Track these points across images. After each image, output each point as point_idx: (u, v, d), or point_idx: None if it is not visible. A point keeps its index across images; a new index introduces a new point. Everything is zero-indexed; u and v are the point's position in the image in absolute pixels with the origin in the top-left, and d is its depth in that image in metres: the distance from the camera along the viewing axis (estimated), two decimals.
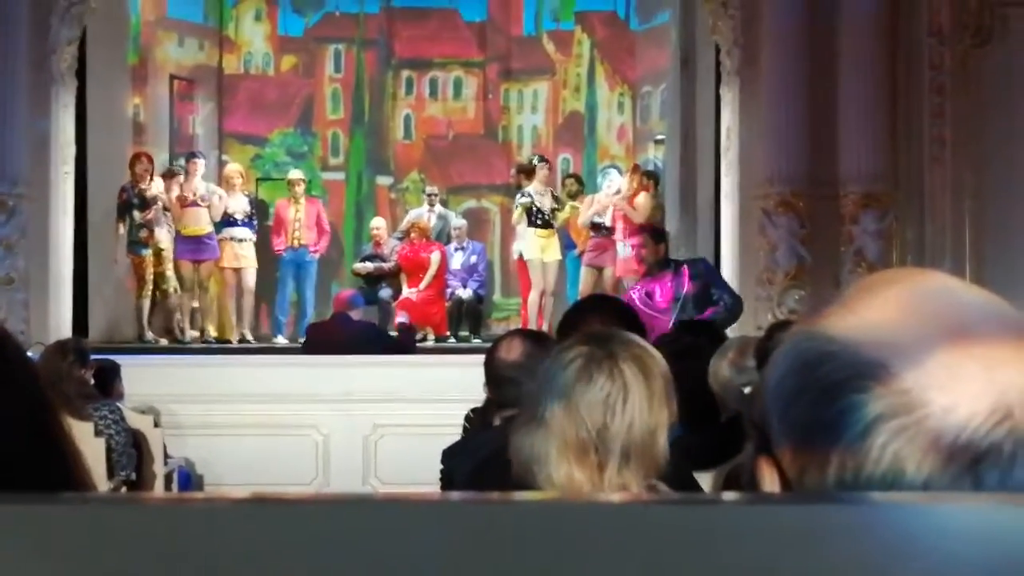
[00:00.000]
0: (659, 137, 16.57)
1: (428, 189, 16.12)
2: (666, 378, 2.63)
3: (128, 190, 13.32)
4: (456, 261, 14.88)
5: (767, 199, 11.94)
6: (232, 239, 13.86)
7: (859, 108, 11.79)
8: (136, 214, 13.20)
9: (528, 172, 14.26)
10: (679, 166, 14.54)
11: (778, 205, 11.83)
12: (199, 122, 17.32)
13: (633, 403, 2.54)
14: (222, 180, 14.46)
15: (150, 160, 13.75)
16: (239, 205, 13.93)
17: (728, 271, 12.69)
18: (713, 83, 13.37)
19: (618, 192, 13.42)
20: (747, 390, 4.10)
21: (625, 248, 12.95)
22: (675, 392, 2.66)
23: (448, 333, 14.51)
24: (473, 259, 15.00)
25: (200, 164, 13.88)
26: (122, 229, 13.30)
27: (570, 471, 2.54)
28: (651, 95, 17.43)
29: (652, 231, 9.91)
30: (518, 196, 14.22)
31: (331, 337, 10.85)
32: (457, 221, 15.43)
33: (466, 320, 14.84)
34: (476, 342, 13.80)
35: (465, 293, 14.82)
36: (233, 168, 14.76)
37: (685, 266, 9.65)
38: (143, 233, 13.23)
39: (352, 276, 15.58)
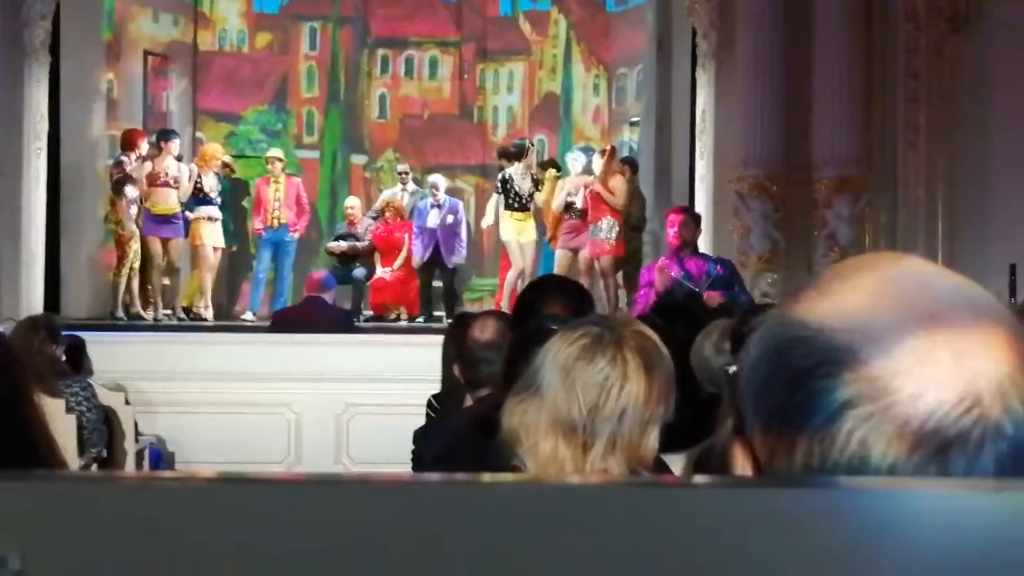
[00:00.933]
0: (634, 119, 16.57)
1: (400, 167, 15.99)
2: (669, 377, 2.63)
3: (129, 165, 13.27)
4: (431, 219, 14.37)
5: (741, 182, 11.96)
6: (209, 218, 13.79)
7: (834, 93, 11.82)
8: (129, 190, 13.10)
9: (513, 156, 14.19)
10: (654, 148, 14.55)
11: (752, 188, 11.86)
12: (173, 98, 17.23)
13: (630, 392, 2.55)
14: (199, 157, 14.38)
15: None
16: (212, 184, 13.85)
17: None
18: (689, 65, 13.38)
19: (590, 173, 13.43)
20: (732, 370, 4.10)
21: (596, 230, 12.92)
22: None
23: (419, 314, 14.39)
24: (450, 219, 14.41)
25: (175, 144, 13.72)
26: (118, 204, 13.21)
27: (556, 446, 2.55)
28: (627, 77, 17.43)
29: (693, 213, 10.31)
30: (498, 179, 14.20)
31: (303, 322, 10.80)
32: (433, 178, 15.03)
33: (442, 301, 14.56)
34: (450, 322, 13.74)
35: (423, 254, 14.31)
36: (214, 147, 14.69)
37: (718, 259, 10.06)
38: (133, 210, 13.16)
39: (326, 255, 15.53)
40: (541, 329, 3.21)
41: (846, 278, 0.97)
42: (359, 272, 14.58)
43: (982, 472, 0.88)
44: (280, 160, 14.73)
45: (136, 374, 9.69)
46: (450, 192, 16.52)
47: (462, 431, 3.35)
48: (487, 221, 14.66)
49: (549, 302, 3.41)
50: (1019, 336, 0.93)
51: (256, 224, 14.59)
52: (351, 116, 18.50)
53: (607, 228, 12.87)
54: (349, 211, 15.39)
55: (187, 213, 13.66)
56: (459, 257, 14.59)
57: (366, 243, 14.77)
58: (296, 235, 14.68)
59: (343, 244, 14.91)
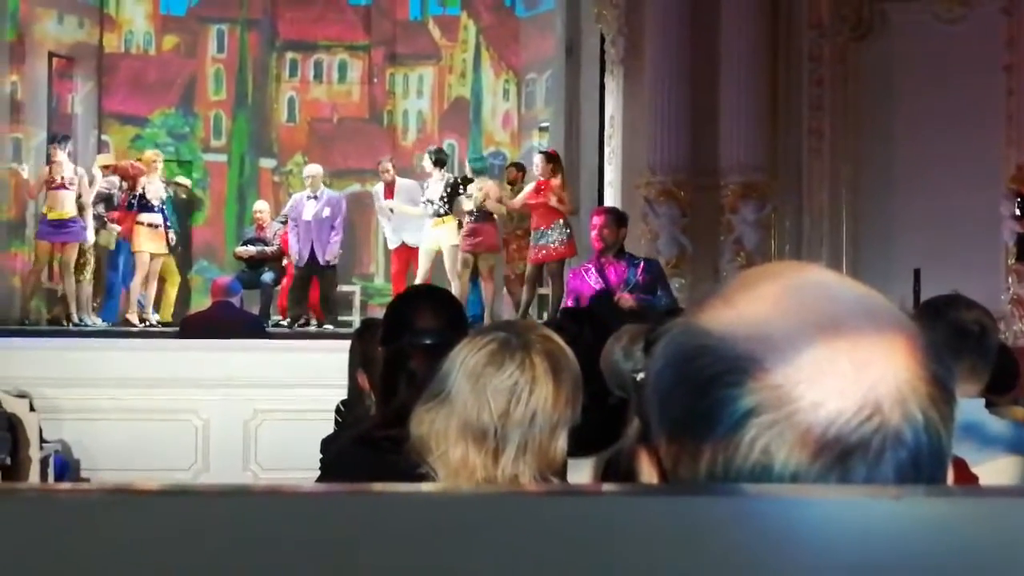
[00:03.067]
0: (543, 124, 16.62)
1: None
2: (576, 380, 2.64)
3: (114, 188, 13.56)
4: (308, 211, 13.87)
5: (649, 188, 12.04)
6: (149, 225, 13.64)
7: (740, 99, 11.94)
8: (100, 207, 13.30)
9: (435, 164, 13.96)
10: (563, 153, 14.58)
11: (660, 194, 11.94)
12: (78, 101, 17.02)
13: (539, 396, 2.55)
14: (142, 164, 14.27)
15: None
16: (156, 191, 13.73)
17: None
18: (597, 71, 13.44)
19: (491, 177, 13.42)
20: (639, 377, 4.11)
21: (543, 236, 12.68)
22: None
23: (287, 314, 14.11)
24: (326, 212, 13.88)
25: (62, 148, 13.40)
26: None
27: (466, 453, 2.55)
28: (536, 82, 17.48)
29: (617, 214, 10.11)
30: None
31: (212, 327, 10.72)
32: (310, 169, 14.62)
33: (320, 302, 14.13)
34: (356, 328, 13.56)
35: (299, 249, 13.85)
36: (153, 152, 14.55)
37: (642, 261, 9.86)
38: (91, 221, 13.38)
39: (234, 260, 15.37)
40: (414, 345, 3.20)
41: (750, 287, 0.98)
42: (268, 277, 14.44)
43: (883, 479, 0.89)
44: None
45: (41, 380, 9.54)
46: (359, 196, 16.43)
47: (343, 449, 3.33)
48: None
49: (420, 314, 3.38)
50: (919, 344, 0.95)
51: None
52: (259, 119, 18.38)
53: (557, 231, 12.68)
54: (258, 215, 15.17)
55: (140, 217, 13.57)
56: (332, 253, 13.99)
57: (275, 247, 14.63)
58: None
59: (251, 249, 14.72)
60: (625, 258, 9.72)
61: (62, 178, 13.09)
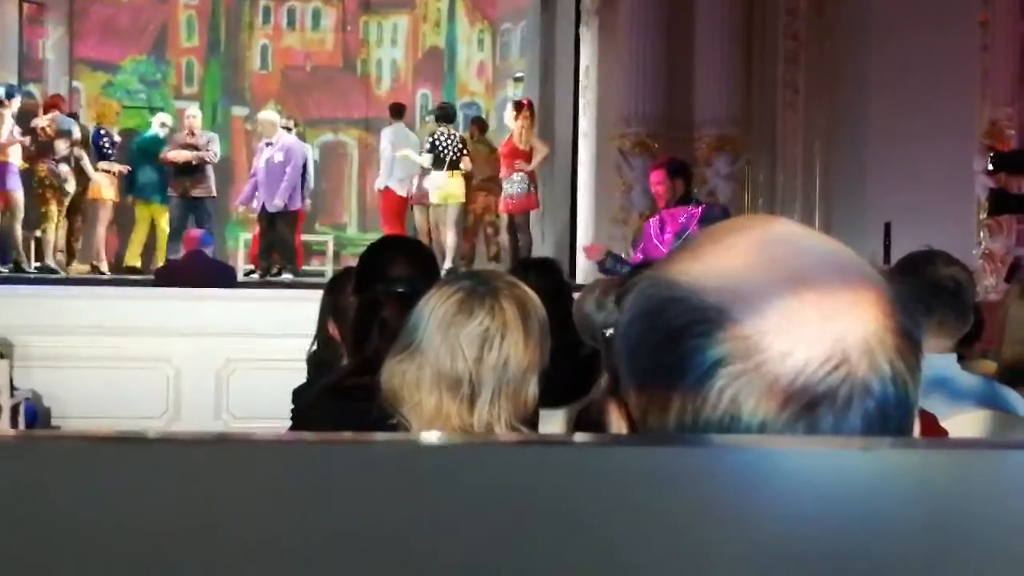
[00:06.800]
0: (518, 75, 16.57)
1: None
2: (543, 324, 2.66)
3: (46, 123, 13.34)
4: (261, 158, 13.57)
5: (623, 140, 12.05)
6: (107, 172, 13.63)
7: (715, 52, 11.93)
8: (60, 145, 13.16)
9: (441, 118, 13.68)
10: (538, 105, 14.55)
11: (634, 146, 11.95)
12: (49, 47, 16.89)
13: (510, 341, 2.57)
14: (100, 114, 14.18)
15: None
16: (111, 140, 13.79)
17: (584, 210, 12.80)
18: (573, 22, 13.40)
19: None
20: (609, 332, 4.14)
21: (509, 185, 12.71)
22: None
23: (258, 266, 13.90)
24: (279, 157, 13.46)
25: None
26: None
27: (440, 401, 2.56)
28: (511, 32, 17.42)
29: (671, 165, 8.89)
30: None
31: (186, 276, 10.72)
32: (263, 115, 14.27)
33: (277, 251, 13.75)
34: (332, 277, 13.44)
35: (268, 203, 13.46)
36: (116, 103, 14.50)
37: (702, 208, 8.96)
38: (63, 167, 13.32)
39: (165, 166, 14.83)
40: (387, 293, 3.20)
41: (718, 240, 0.99)
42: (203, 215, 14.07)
43: (850, 429, 0.90)
44: None
45: (11, 327, 9.52)
46: (333, 146, 16.33)
47: (315, 399, 3.34)
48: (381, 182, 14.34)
49: (394, 262, 3.38)
50: (887, 296, 0.95)
51: None
52: (232, 67, 18.28)
53: (515, 184, 12.68)
54: (189, 119, 14.61)
55: (100, 164, 13.58)
56: (280, 199, 13.50)
57: (212, 153, 14.17)
58: None
59: (186, 153, 14.11)
60: (687, 205, 8.69)
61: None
